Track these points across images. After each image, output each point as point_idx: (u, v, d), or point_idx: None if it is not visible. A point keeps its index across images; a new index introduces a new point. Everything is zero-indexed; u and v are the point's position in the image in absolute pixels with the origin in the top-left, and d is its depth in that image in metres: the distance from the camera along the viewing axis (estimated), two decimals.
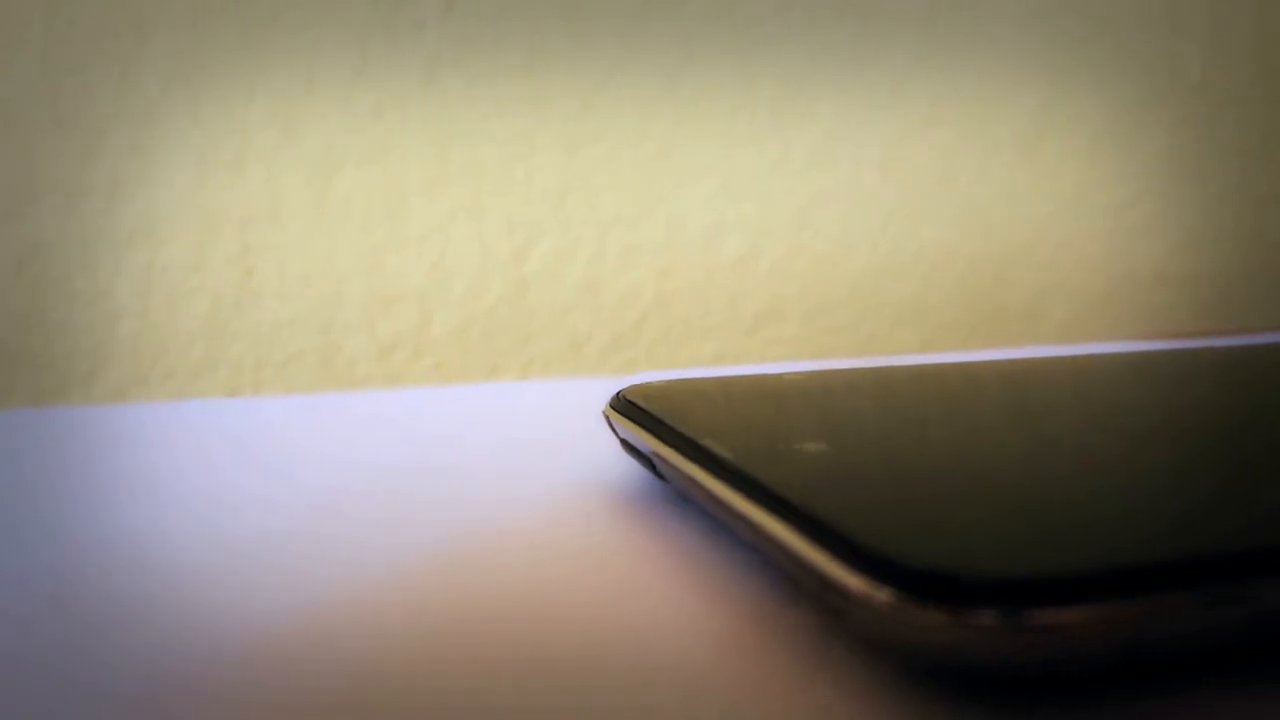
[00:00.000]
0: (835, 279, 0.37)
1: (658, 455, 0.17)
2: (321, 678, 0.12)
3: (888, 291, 0.38)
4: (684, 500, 0.18)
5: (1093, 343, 0.38)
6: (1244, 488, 0.14)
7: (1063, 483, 0.14)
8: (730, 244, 0.36)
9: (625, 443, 0.18)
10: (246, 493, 0.18)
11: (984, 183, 0.39)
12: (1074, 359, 0.22)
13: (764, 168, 0.36)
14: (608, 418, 0.19)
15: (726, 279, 0.36)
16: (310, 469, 0.20)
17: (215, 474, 0.19)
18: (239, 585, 0.14)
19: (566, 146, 0.33)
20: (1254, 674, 0.12)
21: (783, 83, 0.36)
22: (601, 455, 0.20)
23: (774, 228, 0.36)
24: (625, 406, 0.19)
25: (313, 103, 0.30)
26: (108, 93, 0.28)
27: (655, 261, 0.35)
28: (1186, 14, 0.41)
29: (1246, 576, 0.12)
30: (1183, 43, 0.41)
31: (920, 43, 0.37)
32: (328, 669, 0.12)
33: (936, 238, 0.39)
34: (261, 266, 0.30)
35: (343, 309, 0.31)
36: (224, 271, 0.30)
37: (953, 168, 0.38)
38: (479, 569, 0.15)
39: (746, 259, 0.36)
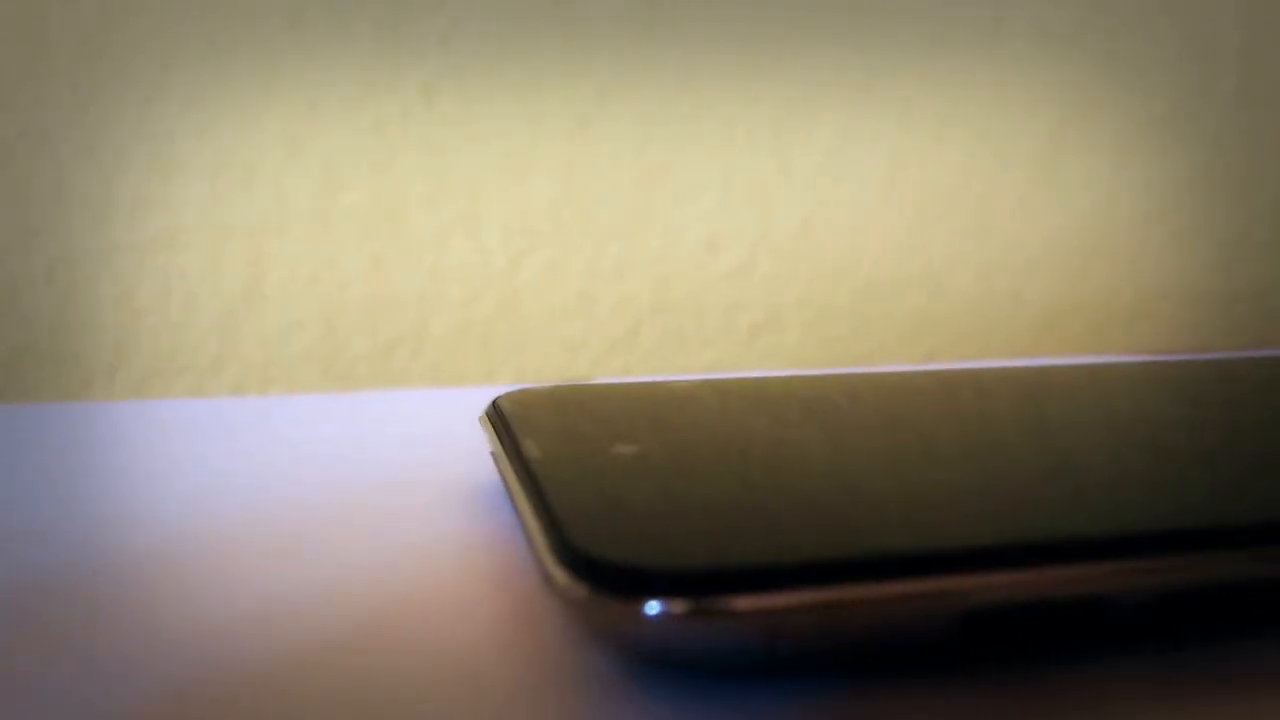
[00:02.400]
0: (837, 291, 0.38)
1: (494, 456, 0.18)
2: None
3: (893, 304, 0.39)
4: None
5: (1114, 357, 0.38)
6: (983, 493, 0.15)
7: (828, 490, 0.15)
8: (728, 256, 0.37)
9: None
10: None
11: (997, 196, 0.39)
12: (958, 373, 0.23)
13: (763, 182, 0.37)
14: (481, 423, 0.20)
15: (724, 290, 0.37)
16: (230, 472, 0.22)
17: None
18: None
19: (563, 162, 0.35)
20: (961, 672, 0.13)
21: (784, 100, 0.37)
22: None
23: (773, 240, 0.37)
24: (492, 412, 0.20)
25: (317, 122, 0.33)
26: (131, 118, 0.31)
27: (651, 272, 0.36)
28: (1220, 23, 0.41)
29: (929, 574, 0.13)
30: (1216, 52, 0.40)
31: (929, 59, 0.38)
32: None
33: (945, 250, 0.39)
34: (269, 273, 0.33)
35: (345, 313, 0.34)
36: (235, 278, 0.33)
37: (963, 181, 0.39)
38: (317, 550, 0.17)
39: (744, 270, 0.37)
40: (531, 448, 0.17)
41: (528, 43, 0.34)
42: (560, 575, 0.13)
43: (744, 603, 0.12)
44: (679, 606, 0.12)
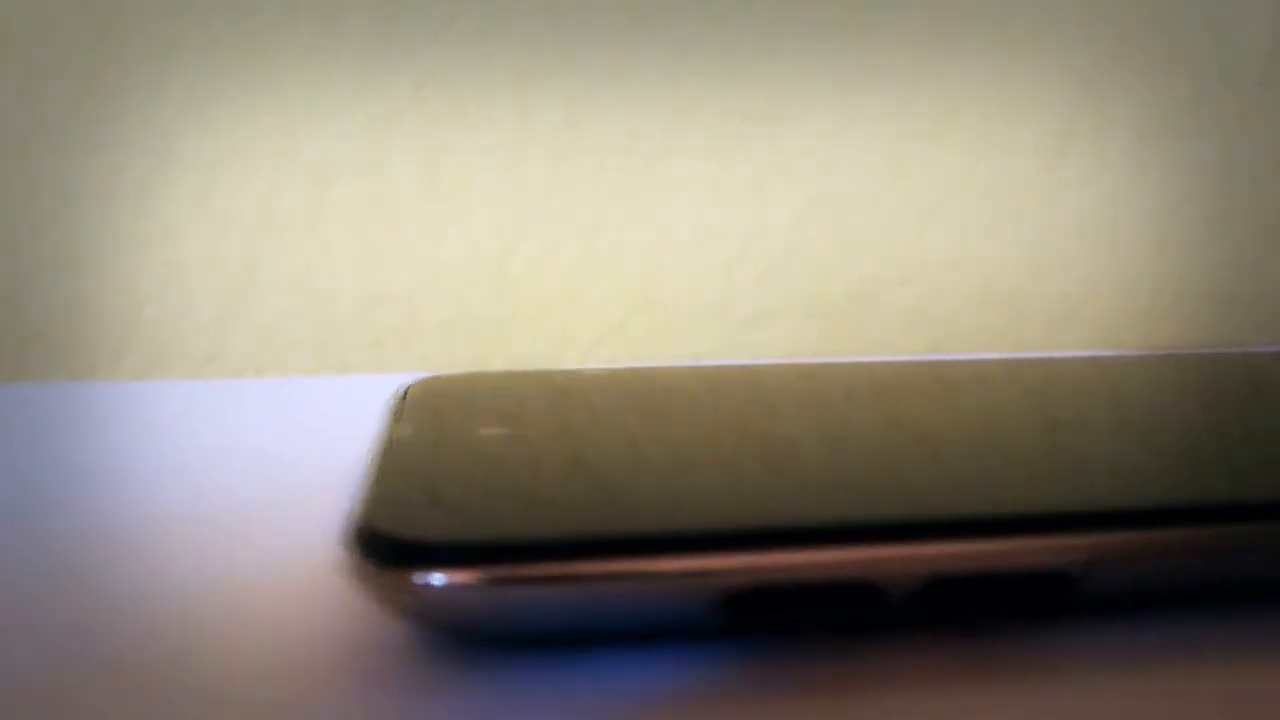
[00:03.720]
0: (833, 283, 0.38)
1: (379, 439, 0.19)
2: None
3: (891, 297, 0.39)
4: None
5: (1126, 351, 0.38)
6: (796, 479, 0.15)
7: (644, 476, 0.16)
8: (719, 248, 0.37)
9: None
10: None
11: (1002, 188, 0.39)
12: (860, 366, 0.23)
13: (755, 174, 0.37)
14: (388, 406, 0.21)
15: (715, 282, 0.37)
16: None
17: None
18: None
19: (552, 156, 0.36)
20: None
21: (777, 91, 0.37)
22: None
23: (766, 233, 0.37)
24: (398, 395, 0.21)
25: (310, 119, 0.34)
26: (133, 115, 0.33)
27: (641, 264, 0.37)
28: (1244, 3, 0.40)
29: (680, 554, 0.13)
30: (1241, 35, 0.39)
31: (930, 45, 0.37)
32: None
33: (946, 243, 0.39)
34: (264, 265, 0.34)
35: (337, 304, 0.35)
36: (231, 269, 0.34)
37: (966, 173, 0.38)
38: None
39: (735, 263, 0.37)
40: (402, 429, 0.18)
41: (517, 37, 0.35)
42: (346, 549, 0.13)
43: (491, 574, 0.12)
44: (438, 579, 0.12)
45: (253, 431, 0.24)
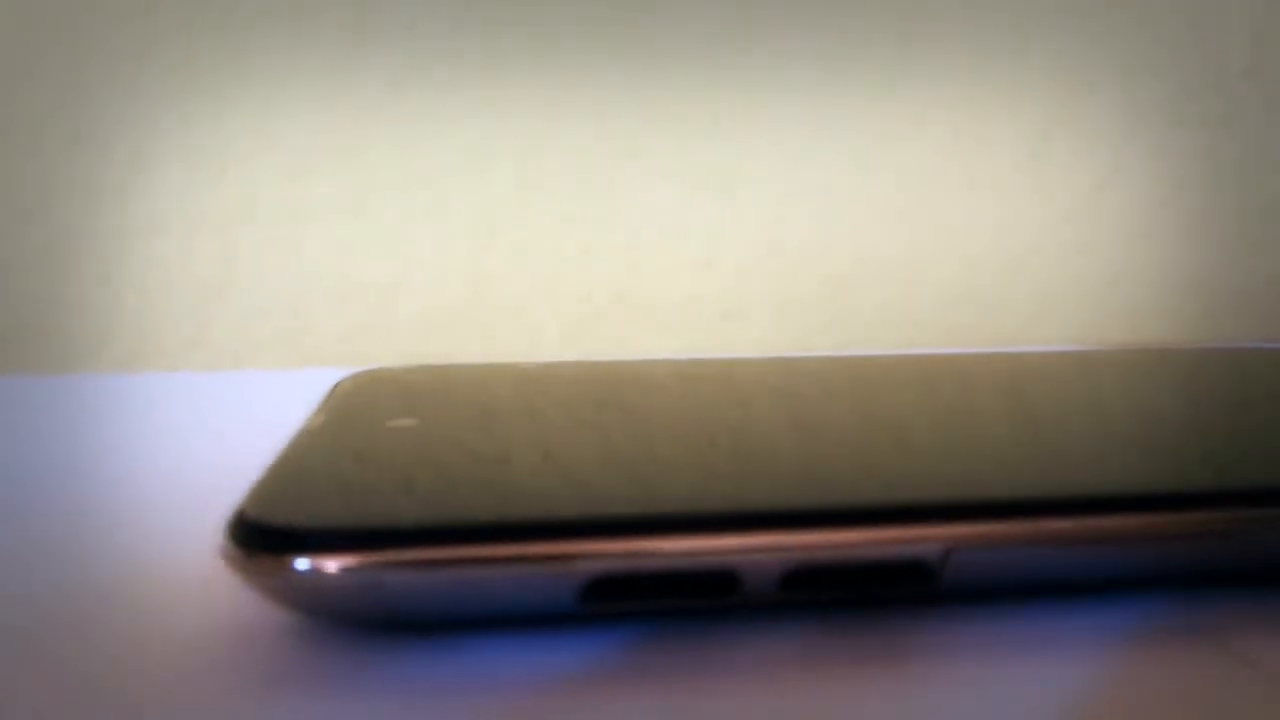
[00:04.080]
0: (806, 279, 0.38)
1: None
2: None
3: (866, 292, 0.39)
4: None
5: (1082, 347, 0.37)
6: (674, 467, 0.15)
7: (532, 466, 0.16)
8: (694, 243, 0.37)
9: None
10: None
11: (979, 184, 0.39)
12: (789, 361, 0.23)
13: (730, 169, 0.37)
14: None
15: (690, 276, 0.38)
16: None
17: None
18: None
19: (527, 150, 0.36)
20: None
21: (752, 85, 0.37)
22: None
23: (741, 227, 0.38)
24: (328, 390, 0.21)
25: (287, 115, 0.34)
26: (113, 111, 0.34)
27: (616, 258, 0.37)
28: None
29: (537, 540, 0.13)
30: (1226, 29, 0.39)
31: (907, 39, 0.37)
32: None
33: (924, 240, 0.39)
34: (241, 258, 0.35)
35: (312, 297, 0.35)
36: (208, 262, 0.35)
37: (944, 168, 0.38)
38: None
39: (711, 257, 0.38)
40: (314, 421, 0.18)
41: (493, 32, 0.35)
42: (224, 536, 0.14)
43: (352, 559, 0.13)
44: (301, 564, 0.13)
45: (195, 423, 0.25)
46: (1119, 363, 0.24)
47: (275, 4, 0.34)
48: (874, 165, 0.38)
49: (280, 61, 0.34)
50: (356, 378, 0.22)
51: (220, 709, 0.12)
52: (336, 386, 0.21)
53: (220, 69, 0.34)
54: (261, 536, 0.13)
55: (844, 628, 0.14)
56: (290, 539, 0.13)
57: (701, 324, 0.38)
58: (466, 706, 0.12)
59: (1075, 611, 0.14)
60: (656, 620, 0.14)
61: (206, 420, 0.25)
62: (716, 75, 0.37)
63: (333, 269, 0.35)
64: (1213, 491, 0.14)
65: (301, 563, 0.13)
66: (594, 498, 0.14)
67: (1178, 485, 0.14)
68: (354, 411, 0.19)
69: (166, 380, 0.31)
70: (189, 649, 0.13)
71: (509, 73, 0.35)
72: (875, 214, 0.38)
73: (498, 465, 0.16)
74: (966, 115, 0.38)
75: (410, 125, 0.35)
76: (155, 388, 0.31)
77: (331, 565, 0.13)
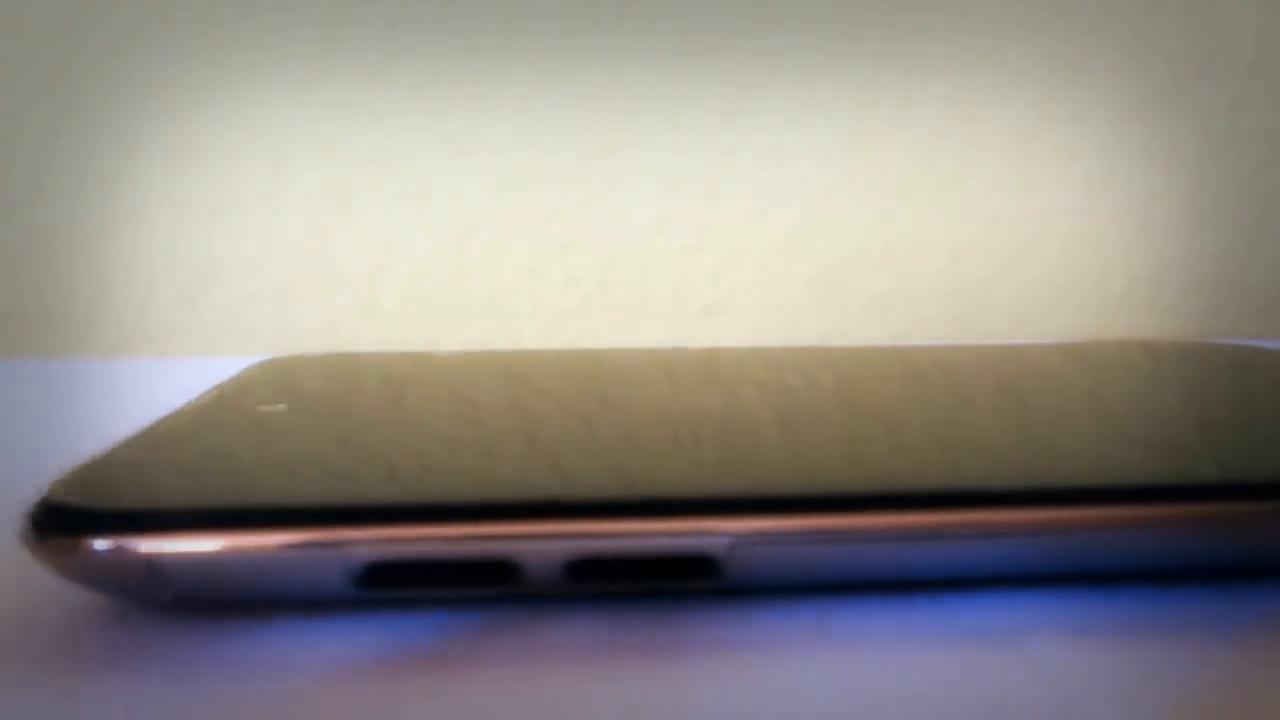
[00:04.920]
0: (790, 273, 0.38)
1: None
2: None
3: (851, 287, 0.38)
4: None
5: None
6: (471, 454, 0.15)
7: (365, 452, 0.16)
8: (676, 235, 0.37)
9: None
10: None
11: (969, 176, 0.38)
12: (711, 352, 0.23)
13: (712, 161, 0.37)
14: None
15: (672, 269, 0.37)
16: None
17: None
18: None
19: (507, 143, 0.36)
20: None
21: (735, 76, 0.37)
22: None
23: (723, 220, 0.37)
24: (232, 375, 0.22)
25: (270, 108, 0.35)
26: (99, 105, 0.35)
27: (598, 250, 0.37)
28: None
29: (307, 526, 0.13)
30: (1229, 20, 0.38)
31: (892, 27, 0.37)
32: None
33: (910, 233, 0.38)
34: (225, 248, 0.36)
35: (296, 286, 0.36)
36: (194, 252, 0.35)
37: (930, 160, 0.38)
38: None
39: (693, 250, 0.37)
40: (188, 405, 0.19)
41: (474, 24, 0.36)
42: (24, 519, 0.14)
43: (110, 543, 0.13)
44: (78, 544, 0.13)
45: (133, 408, 0.25)
46: (1043, 357, 0.23)
47: (259, 5, 0.35)
48: (858, 157, 0.37)
49: (263, 53, 0.35)
50: (268, 363, 0.22)
51: None
52: (241, 372, 0.22)
53: (204, 61, 0.35)
54: (52, 519, 0.13)
55: (633, 620, 0.14)
56: (73, 520, 0.13)
57: (684, 317, 0.37)
58: (232, 691, 0.12)
59: (867, 609, 0.14)
60: (458, 607, 0.14)
61: (148, 406, 0.26)
62: (699, 68, 0.36)
63: (316, 258, 0.36)
64: (991, 490, 0.14)
65: (82, 544, 0.13)
66: (376, 484, 0.14)
67: (973, 483, 0.14)
68: (235, 396, 0.19)
69: (142, 367, 0.32)
70: None
71: (490, 65, 0.36)
72: (861, 207, 0.37)
73: (325, 451, 0.16)
74: (954, 105, 0.37)
75: (392, 116, 0.36)
76: (129, 374, 0.31)
77: (103, 546, 0.13)
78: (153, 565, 0.13)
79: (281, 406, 0.18)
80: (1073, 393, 0.20)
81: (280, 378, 0.21)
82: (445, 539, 0.13)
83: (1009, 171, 0.38)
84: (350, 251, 0.36)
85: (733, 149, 0.37)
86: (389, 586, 0.13)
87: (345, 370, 0.22)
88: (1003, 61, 0.37)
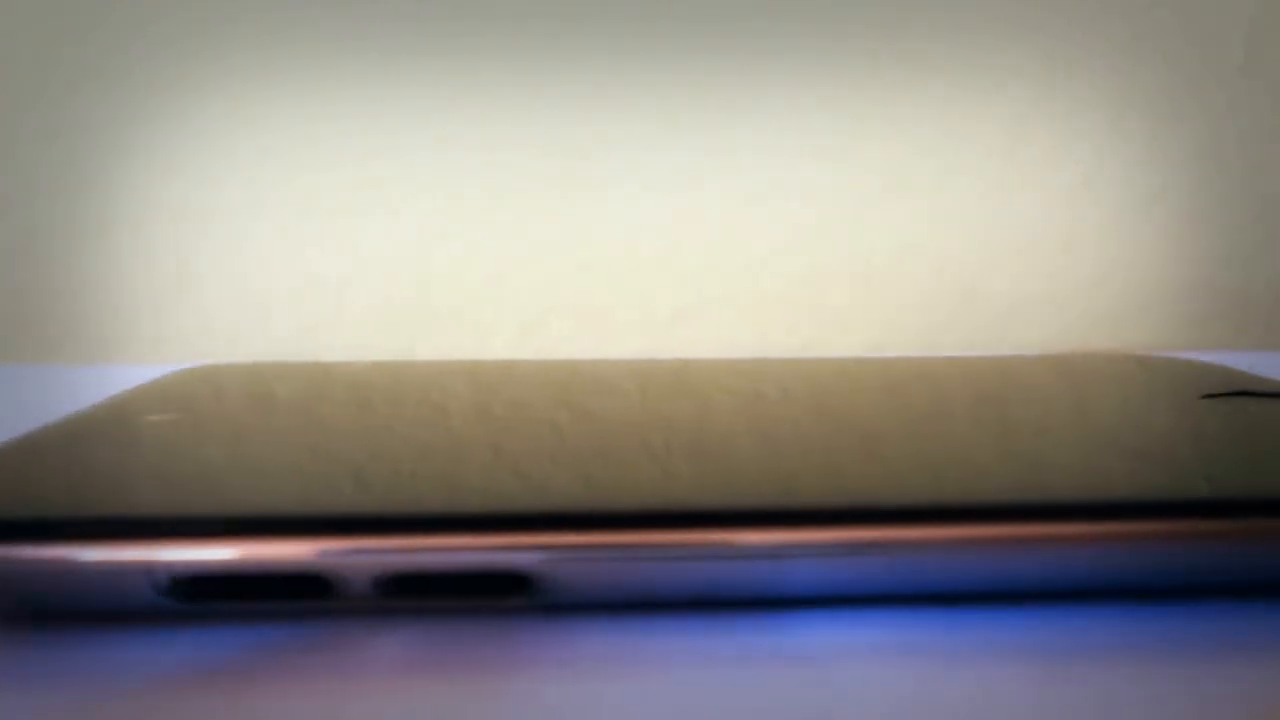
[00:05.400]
0: (765, 281, 0.37)
1: None
2: None
3: (830, 293, 0.38)
4: None
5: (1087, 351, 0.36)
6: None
7: (225, 464, 0.16)
8: (648, 243, 0.37)
9: None
10: None
11: (952, 182, 0.37)
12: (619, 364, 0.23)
13: (686, 168, 0.37)
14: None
15: (644, 276, 0.37)
16: None
17: None
18: None
19: (478, 150, 0.36)
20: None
21: (712, 82, 0.36)
22: None
23: (697, 228, 0.37)
24: (150, 381, 0.22)
25: (245, 118, 0.36)
26: (77, 112, 0.35)
27: (568, 257, 0.37)
28: None
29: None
30: (1221, 19, 0.37)
31: (874, 32, 0.36)
32: None
33: (892, 239, 0.38)
34: (197, 257, 0.36)
35: (269, 293, 0.36)
36: (170, 258, 0.36)
37: (913, 164, 0.37)
38: None
39: (666, 257, 0.37)
40: (89, 412, 0.19)
41: (444, 32, 0.36)
42: None
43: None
44: None
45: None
46: (947, 370, 0.23)
47: (235, 11, 0.35)
48: (838, 161, 0.37)
49: (238, 66, 0.35)
50: (189, 371, 0.23)
51: None
52: (158, 380, 0.22)
53: (181, 68, 0.35)
54: None
55: (448, 636, 0.14)
56: None
57: (655, 325, 0.37)
58: (37, 705, 0.12)
59: (684, 628, 0.14)
60: (291, 620, 0.14)
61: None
62: (675, 72, 0.36)
63: (287, 265, 0.36)
64: (781, 509, 0.13)
65: None
66: (195, 496, 0.14)
67: (787, 501, 0.14)
68: (132, 404, 0.19)
69: (110, 373, 0.33)
70: None
71: (461, 72, 0.36)
72: (839, 214, 0.37)
73: (177, 462, 0.16)
74: (938, 107, 0.37)
75: (362, 125, 0.36)
76: (102, 380, 0.32)
77: None
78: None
79: (171, 416, 0.19)
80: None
81: (185, 387, 0.21)
82: (251, 553, 0.13)
83: (995, 176, 0.37)
84: (321, 259, 0.36)
85: (707, 156, 0.37)
86: (199, 600, 0.13)
87: (261, 379, 0.22)
88: (991, 61, 0.37)
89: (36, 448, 0.16)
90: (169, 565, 0.13)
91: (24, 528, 0.13)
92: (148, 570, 0.13)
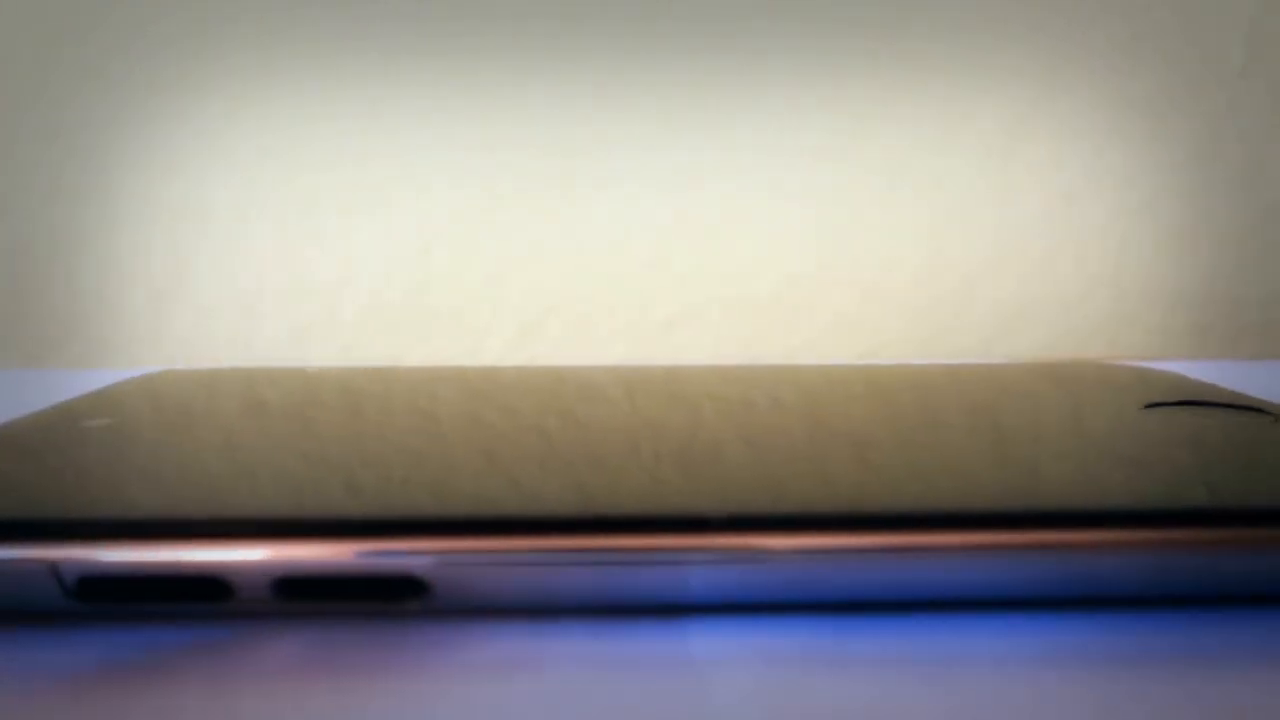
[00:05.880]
0: (756, 287, 0.37)
1: None
2: None
3: (818, 302, 0.38)
4: None
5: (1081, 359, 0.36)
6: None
7: (143, 467, 0.16)
8: (641, 247, 0.37)
9: None
10: None
11: (944, 187, 0.37)
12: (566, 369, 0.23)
13: (677, 174, 0.37)
14: None
15: (637, 281, 0.37)
16: None
17: None
18: None
19: (471, 155, 0.37)
20: None
21: (702, 87, 0.37)
22: None
23: (688, 232, 0.37)
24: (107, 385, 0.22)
25: (238, 122, 0.36)
26: (74, 117, 0.36)
27: (561, 262, 0.37)
28: None
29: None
30: (1223, 19, 0.36)
31: (861, 33, 0.36)
32: None
33: (879, 247, 0.37)
34: (194, 258, 0.37)
35: (261, 297, 0.37)
36: (163, 262, 0.37)
37: (899, 172, 0.37)
38: None
39: (658, 262, 0.37)
40: (32, 416, 0.19)
41: (436, 35, 0.36)
42: None
43: None
44: None
45: None
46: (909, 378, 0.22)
47: (228, 17, 0.36)
48: (826, 166, 0.37)
49: (231, 73, 0.36)
50: (149, 376, 0.23)
51: None
52: (115, 384, 0.22)
53: (176, 76, 0.36)
54: None
55: (345, 639, 0.14)
56: None
57: (648, 330, 0.37)
58: None
59: (581, 632, 0.14)
60: (194, 622, 0.14)
61: None
62: (665, 76, 0.36)
63: (281, 270, 0.37)
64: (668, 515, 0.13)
65: None
66: (105, 500, 0.14)
67: (686, 508, 0.14)
68: (77, 409, 0.20)
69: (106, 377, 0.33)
70: None
71: (453, 76, 0.36)
72: (830, 219, 0.37)
73: (95, 466, 0.16)
74: (928, 111, 0.37)
75: (355, 129, 0.36)
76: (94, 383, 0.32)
77: None
78: None
79: (107, 421, 0.19)
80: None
81: (145, 391, 0.21)
82: (153, 556, 0.13)
83: (994, 177, 0.37)
84: (314, 263, 0.37)
85: (698, 162, 0.37)
86: (103, 601, 0.14)
87: (218, 385, 0.22)
88: (991, 62, 0.36)
89: None
90: (77, 566, 0.13)
91: None
92: (53, 571, 0.13)
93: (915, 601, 0.14)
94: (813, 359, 0.37)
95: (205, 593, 0.14)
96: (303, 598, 0.14)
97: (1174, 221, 0.37)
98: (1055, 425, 0.19)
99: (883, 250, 0.37)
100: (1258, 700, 0.12)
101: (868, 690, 0.12)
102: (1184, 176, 0.37)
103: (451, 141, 0.36)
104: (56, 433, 0.18)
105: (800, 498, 0.14)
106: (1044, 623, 0.14)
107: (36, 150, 0.36)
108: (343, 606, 0.14)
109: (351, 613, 0.14)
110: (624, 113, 0.36)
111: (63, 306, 0.37)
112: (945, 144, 0.37)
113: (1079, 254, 0.37)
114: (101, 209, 0.36)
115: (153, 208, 0.36)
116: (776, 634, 0.14)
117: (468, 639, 0.14)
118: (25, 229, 0.36)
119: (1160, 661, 0.13)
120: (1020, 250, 0.37)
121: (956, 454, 0.16)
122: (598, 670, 0.13)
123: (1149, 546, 0.13)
